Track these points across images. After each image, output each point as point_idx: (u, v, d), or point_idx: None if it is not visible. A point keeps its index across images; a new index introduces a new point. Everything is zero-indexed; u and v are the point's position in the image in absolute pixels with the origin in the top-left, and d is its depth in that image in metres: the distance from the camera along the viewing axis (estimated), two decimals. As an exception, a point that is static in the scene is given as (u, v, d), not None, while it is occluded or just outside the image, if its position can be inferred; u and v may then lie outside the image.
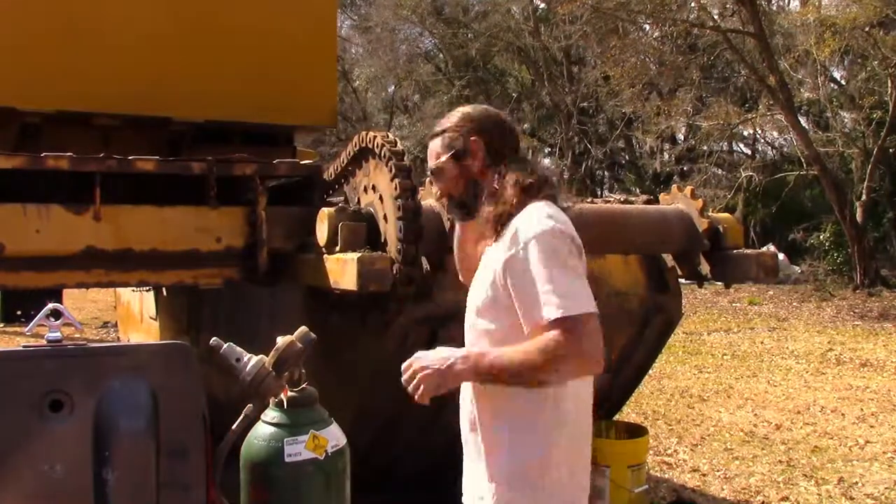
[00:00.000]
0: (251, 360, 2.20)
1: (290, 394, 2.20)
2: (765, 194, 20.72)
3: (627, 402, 4.83)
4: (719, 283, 4.06)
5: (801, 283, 17.88)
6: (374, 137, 3.37)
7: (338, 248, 3.31)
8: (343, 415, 2.40)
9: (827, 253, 18.68)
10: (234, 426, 2.20)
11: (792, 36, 18.08)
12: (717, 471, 5.38)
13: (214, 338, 2.31)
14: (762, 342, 11.12)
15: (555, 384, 2.03)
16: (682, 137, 23.65)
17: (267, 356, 2.22)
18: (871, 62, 17.54)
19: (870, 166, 17.16)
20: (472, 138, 2.22)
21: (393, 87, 29.04)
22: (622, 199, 4.34)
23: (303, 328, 2.29)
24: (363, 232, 3.33)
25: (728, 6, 18.42)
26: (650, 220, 3.82)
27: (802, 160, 18.78)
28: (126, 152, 3.83)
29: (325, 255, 3.40)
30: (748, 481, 5.16)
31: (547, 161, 23.00)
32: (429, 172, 2.37)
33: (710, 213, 3.88)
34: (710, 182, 20.58)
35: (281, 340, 2.24)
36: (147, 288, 5.52)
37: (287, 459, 2.07)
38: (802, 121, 18.65)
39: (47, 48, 4.25)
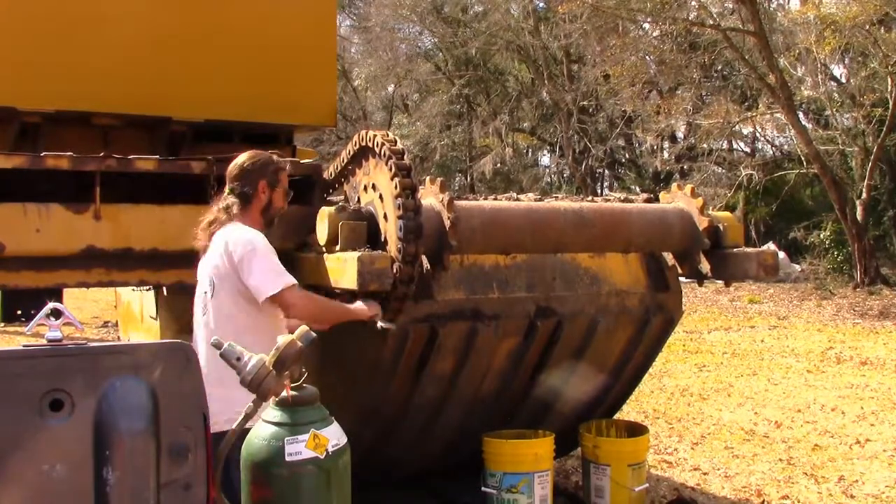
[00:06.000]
0: (252, 360, 2.20)
1: (290, 393, 2.20)
2: (765, 193, 20.74)
3: (628, 401, 4.82)
4: (719, 282, 4.06)
5: (802, 282, 17.89)
6: (374, 136, 3.37)
7: (338, 247, 3.31)
8: (343, 414, 2.40)
9: (827, 251, 18.69)
10: (234, 425, 2.20)
11: (792, 34, 18.07)
12: (718, 469, 5.39)
13: (215, 337, 2.31)
14: (762, 340, 11.12)
15: None
16: (682, 136, 23.65)
17: (267, 355, 2.22)
18: (871, 60, 17.53)
19: (870, 164, 17.16)
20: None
21: (392, 86, 29.05)
22: (622, 198, 4.34)
23: (303, 327, 2.28)
24: (363, 231, 3.33)
25: (728, 5, 18.42)
26: (650, 219, 3.82)
27: (802, 158, 18.78)
28: (126, 152, 3.83)
29: (326, 254, 3.40)
30: (748, 480, 5.16)
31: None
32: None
33: (710, 212, 3.88)
34: (710, 180, 20.59)
35: (281, 339, 2.23)
36: (147, 287, 5.52)
37: (288, 458, 2.07)
38: (802, 119, 18.65)
39: (47, 48, 4.25)
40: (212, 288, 3.11)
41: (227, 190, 3.18)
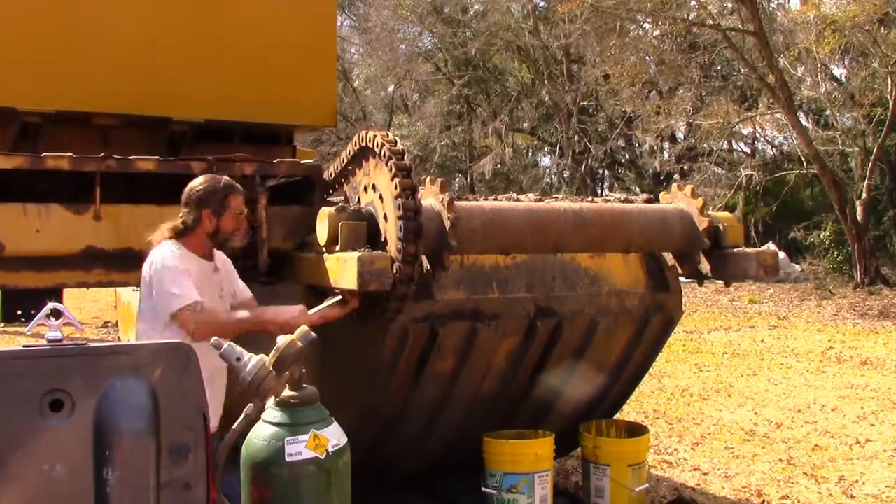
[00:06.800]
0: (252, 360, 2.20)
1: (290, 393, 2.20)
2: (765, 193, 20.74)
3: (628, 401, 4.82)
4: (719, 282, 4.05)
5: (802, 282, 17.90)
6: (374, 137, 3.37)
7: (338, 248, 3.31)
8: (343, 414, 2.41)
9: (827, 251, 18.70)
10: (234, 425, 2.20)
11: (792, 34, 18.08)
12: (718, 469, 5.38)
13: (215, 337, 2.32)
14: (762, 341, 11.12)
15: None
16: (682, 136, 23.65)
17: (267, 356, 2.22)
18: (871, 60, 17.53)
19: (870, 164, 17.16)
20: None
21: (392, 87, 29.04)
22: (622, 198, 4.34)
23: (303, 327, 2.29)
24: (363, 231, 3.33)
25: (728, 4, 18.41)
26: (650, 219, 3.82)
27: (802, 158, 18.79)
28: (126, 152, 3.83)
29: (326, 255, 3.40)
30: (748, 480, 5.16)
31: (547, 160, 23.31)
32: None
33: (710, 212, 3.88)
34: (710, 181, 20.59)
35: (281, 340, 2.24)
36: (147, 287, 5.52)
37: (288, 459, 2.08)
38: (802, 119, 18.66)
39: (47, 48, 4.25)
40: (139, 297, 3.22)
41: (181, 211, 3.25)
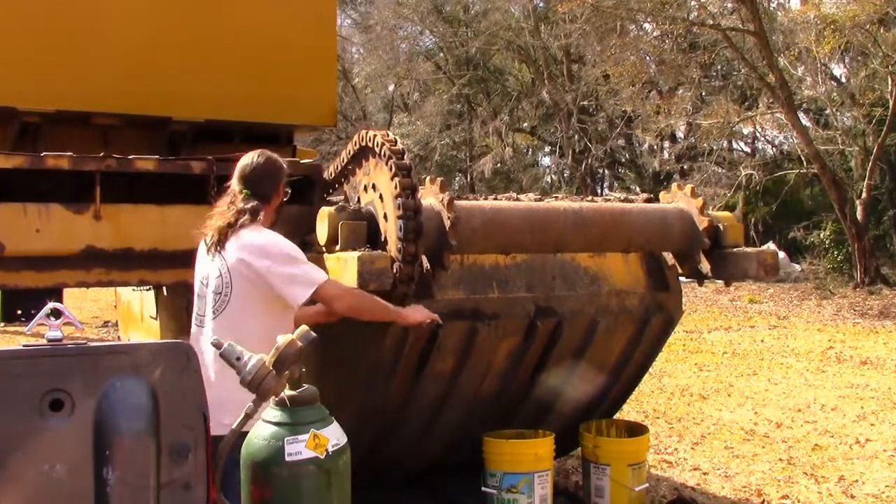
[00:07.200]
0: (251, 359, 2.20)
1: (290, 392, 2.20)
2: (765, 192, 20.76)
3: (628, 401, 4.82)
4: (719, 282, 4.05)
5: (802, 282, 17.91)
6: (374, 136, 3.37)
7: (338, 247, 3.31)
8: (343, 414, 2.40)
9: (827, 251, 18.71)
10: (234, 425, 2.20)
11: (792, 33, 18.08)
12: (718, 469, 5.39)
13: (215, 337, 2.31)
14: (762, 340, 11.12)
15: None
16: (682, 136, 23.66)
17: (267, 355, 2.22)
18: (871, 60, 17.54)
19: (870, 164, 17.17)
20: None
21: (393, 86, 29.05)
22: (622, 198, 4.34)
23: (303, 327, 2.28)
24: (363, 231, 3.33)
25: (728, 4, 18.42)
26: (650, 219, 3.82)
27: (802, 158, 18.80)
28: (126, 152, 3.84)
29: (326, 254, 3.40)
30: (748, 479, 5.16)
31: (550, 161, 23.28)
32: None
33: (710, 212, 3.88)
34: (710, 180, 20.60)
35: (281, 339, 2.23)
36: (147, 287, 5.52)
37: (288, 458, 2.07)
38: (802, 119, 18.66)
39: (47, 48, 4.25)
40: (228, 291, 2.98)
41: (243, 192, 3.04)
